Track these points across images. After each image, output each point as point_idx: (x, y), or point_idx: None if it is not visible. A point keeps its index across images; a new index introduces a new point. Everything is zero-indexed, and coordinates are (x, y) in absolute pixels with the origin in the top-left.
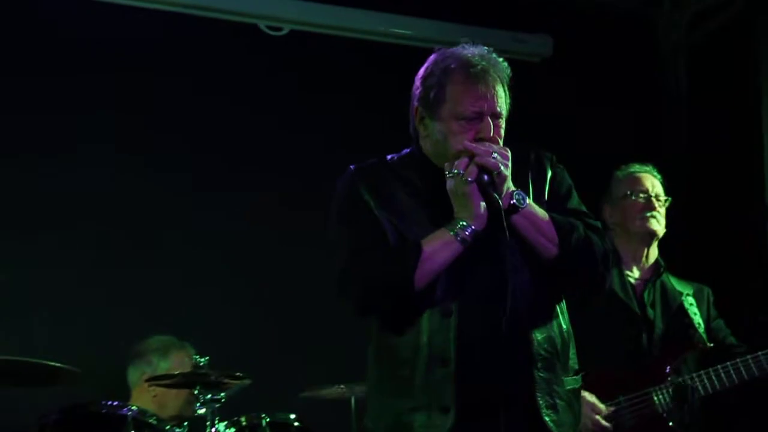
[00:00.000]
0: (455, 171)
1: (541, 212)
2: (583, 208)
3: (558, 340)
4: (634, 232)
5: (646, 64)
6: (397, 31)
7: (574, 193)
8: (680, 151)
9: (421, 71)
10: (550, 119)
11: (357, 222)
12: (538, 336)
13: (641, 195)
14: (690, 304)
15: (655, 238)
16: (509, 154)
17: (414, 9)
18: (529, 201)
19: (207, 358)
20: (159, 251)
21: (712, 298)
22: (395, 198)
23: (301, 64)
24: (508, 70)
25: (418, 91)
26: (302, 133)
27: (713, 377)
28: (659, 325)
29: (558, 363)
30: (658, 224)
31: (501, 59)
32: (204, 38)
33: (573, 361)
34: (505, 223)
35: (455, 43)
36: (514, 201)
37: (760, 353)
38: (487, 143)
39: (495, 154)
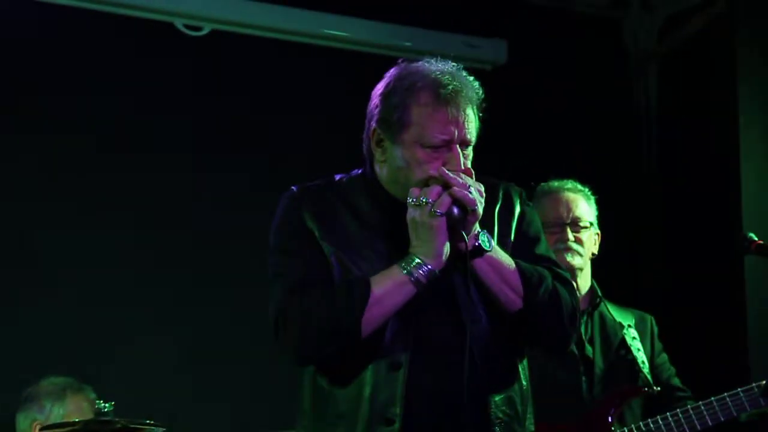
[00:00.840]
0: (423, 200)
1: (506, 258)
2: (552, 256)
3: (518, 400)
4: None
5: (613, 74)
6: (331, 32)
7: (543, 238)
8: (650, 171)
9: (381, 86)
10: (502, 134)
11: (298, 254)
12: (496, 397)
13: (553, 224)
14: (633, 337)
15: (579, 271)
16: (483, 191)
17: (352, 8)
18: (495, 245)
19: (111, 403)
20: (52, 278)
21: (656, 329)
22: (342, 227)
23: (224, 68)
24: (480, 92)
25: (377, 109)
26: (224, 152)
27: (663, 426)
28: (599, 364)
29: (517, 426)
30: (576, 256)
31: (472, 78)
32: (113, 37)
33: (530, 422)
34: (469, 267)
35: (399, 48)
36: (479, 243)
37: (713, 399)
38: (462, 175)
39: (472, 189)
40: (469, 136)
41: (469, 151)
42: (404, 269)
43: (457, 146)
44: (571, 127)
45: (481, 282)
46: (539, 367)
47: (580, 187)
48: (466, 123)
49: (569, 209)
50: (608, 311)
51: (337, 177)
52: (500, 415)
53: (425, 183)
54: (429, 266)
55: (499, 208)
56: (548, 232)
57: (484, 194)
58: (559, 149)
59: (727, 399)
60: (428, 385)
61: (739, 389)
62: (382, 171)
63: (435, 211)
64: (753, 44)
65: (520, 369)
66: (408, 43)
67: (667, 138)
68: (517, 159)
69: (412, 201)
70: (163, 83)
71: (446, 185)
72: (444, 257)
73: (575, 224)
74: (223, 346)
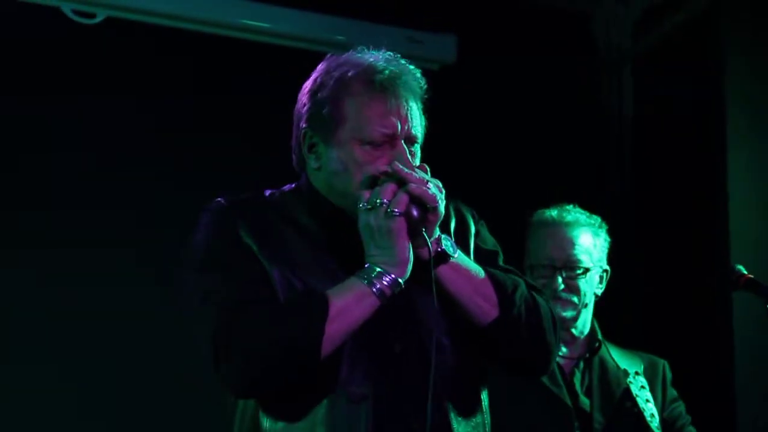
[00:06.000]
0: (378, 200)
1: (473, 264)
2: (514, 269)
3: None
4: None
5: (580, 76)
6: (251, 23)
7: (501, 253)
8: (623, 188)
9: (308, 84)
10: (450, 143)
11: (236, 269)
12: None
13: (542, 266)
14: (640, 387)
15: (572, 321)
16: (442, 187)
17: None
18: (459, 251)
19: None
20: None
21: (668, 376)
22: (285, 245)
23: (121, 61)
24: (423, 82)
25: (305, 108)
26: (119, 152)
27: None
28: (598, 418)
29: None
30: (568, 308)
31: (412, 66)
32: None
33: None
34: (433, 277)
35: (330, 43)
36: (443, 248)
37: None
38: (417, 170)
39: (431, 184)
40: (414, 131)
41: (417, 149)
42: (364, 280)
43: (402, 142)
44: (531, 137)
45: (448, 293)
46: (526, 422)
47: (583, 219)
48: (409, 115)
49: (563, 250)
50: (610, 357)
51: (268, 192)
52: None
53: (373, 183)
54: (392, 275)
55: (455, 224)
56: (536, 275)
57: (443, 190)
58: (517, 161)
59: None
60: (394, 420)
61: None
62: (317, 181)
63: (392, 211)
64: (740, 43)
65: (484, 402)
66: (341, 37)
67: (643, 149)
68: (468, 172)
69: (364, 206)
70: (52, 77)
71: (401, 182)
72: (409, 264)
73: (569, 268)
74: None
